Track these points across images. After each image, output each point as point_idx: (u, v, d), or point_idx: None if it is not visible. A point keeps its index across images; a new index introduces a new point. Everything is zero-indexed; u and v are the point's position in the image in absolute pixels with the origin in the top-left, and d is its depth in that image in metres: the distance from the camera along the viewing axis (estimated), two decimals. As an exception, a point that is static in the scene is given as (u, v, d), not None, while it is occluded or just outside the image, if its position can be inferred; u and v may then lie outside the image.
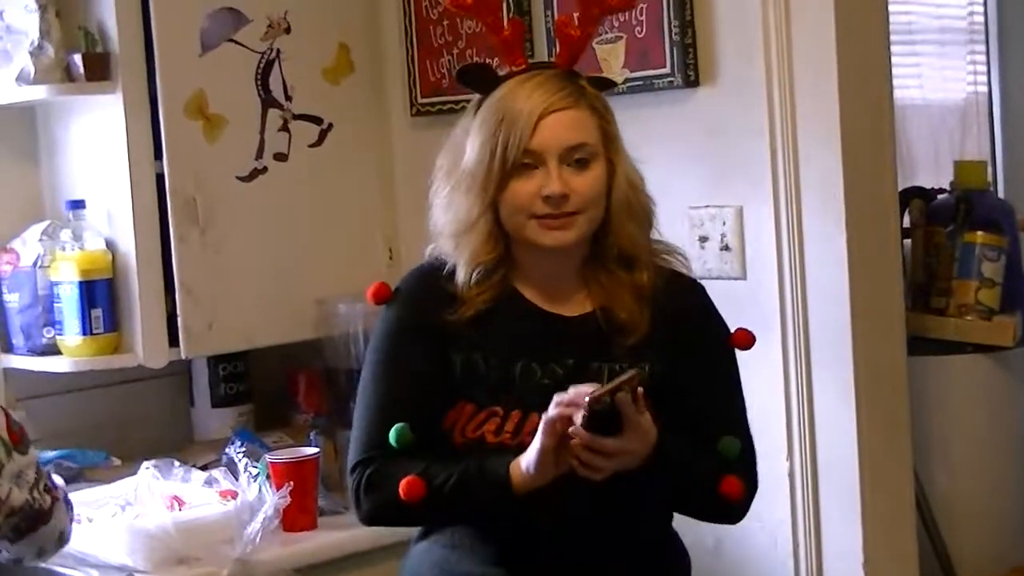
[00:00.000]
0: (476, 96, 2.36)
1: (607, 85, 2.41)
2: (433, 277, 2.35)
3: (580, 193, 2.27)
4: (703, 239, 3.18)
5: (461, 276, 2.30)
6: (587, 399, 2.08)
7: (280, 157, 3.52)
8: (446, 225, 2.33)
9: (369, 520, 2.34)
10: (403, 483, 2.22)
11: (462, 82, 2.37)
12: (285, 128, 3.52)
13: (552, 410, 2.13)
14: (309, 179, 3.56)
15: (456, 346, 2.30)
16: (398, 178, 3.71)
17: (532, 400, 2.25)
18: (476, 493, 2.22)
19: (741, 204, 3.14)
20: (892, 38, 3.20)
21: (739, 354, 2.45)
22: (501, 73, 2.34)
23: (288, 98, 3.52)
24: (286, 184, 3.52)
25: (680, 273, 2.42)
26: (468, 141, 2.31)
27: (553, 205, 2.26)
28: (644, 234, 2.37)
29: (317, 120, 3.58)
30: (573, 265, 2.35)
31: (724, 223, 3.15)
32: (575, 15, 2.36)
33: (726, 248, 3.15)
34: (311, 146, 3.57)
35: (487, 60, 3.48)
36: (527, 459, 2.18)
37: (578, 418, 2.11)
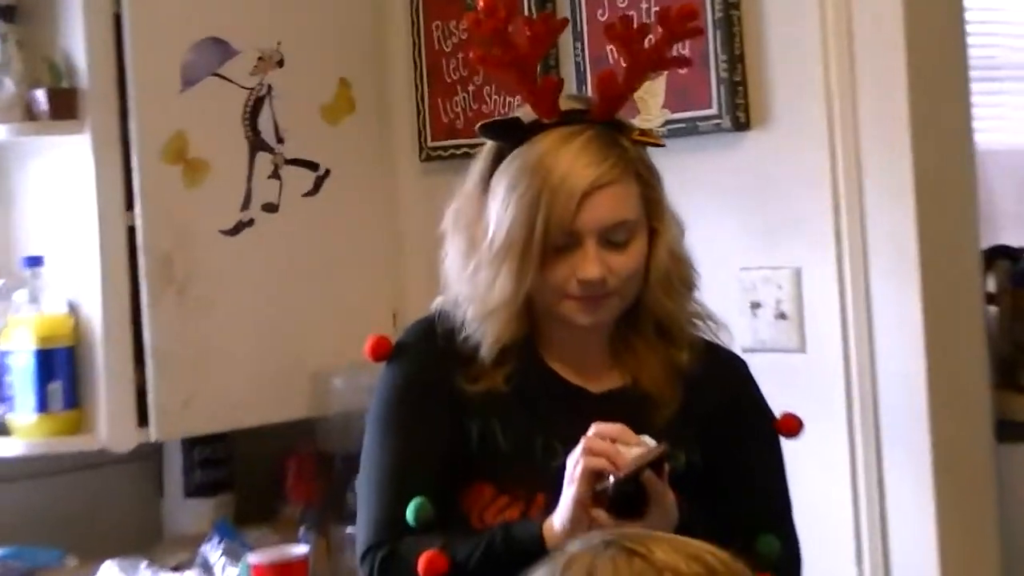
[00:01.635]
0: (489, 144, 2.36)
1: (652, 144, 2.39)
2: (444, 333, 2.35)
3: (618, 274, 2.28)
4: (755, 305, 3.19)
5: (485, 348, 2.30)
6: (612, 480, 2.08)
7: (270, 208, 3.53)
8: (469, 299, 2.32)
9: None
10: (423, 559, 2.19)
11: (487, 134, 2.34)
12: (276, 175, 3.55)
13: (585, 459, 2.12)
14: (303, 233, 3.57)
15: (471, 414, 2.30)
16: (405, 233, 3.73)
17: (559, 483, 2.21)
18: (507, 562, 2.15)
19: (799, 265, 3.15)
20: (972, 75, 3.18)
21: (795, 442, 2.43)
22: (526, 119, 2.32)
23: (280, 140, 3.55)
24: (277, 239, 3.53)
25: (717, 345, 2.41)
26: (493, 202, 2.29)
27: (589, 288, 2.27)
28: (683, 307, 2.38)
29: (313, 165, 3.61)
30: (603, 337, 2.36)
31: (780, 287, 3.17)
32: (621, 67, 2.35)
33: (782, 316, 3.16)
34: (306, 195, 3.59)
35: (507, 100, 3.48)
36: (560, 517, 2.14)
37: (598, 482, 2.11)
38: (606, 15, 3.28)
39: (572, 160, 2.25)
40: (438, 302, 2.40)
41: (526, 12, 3.35)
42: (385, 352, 2.38)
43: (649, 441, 2.14)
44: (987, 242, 3.48)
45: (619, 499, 2.10)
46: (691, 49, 3.07)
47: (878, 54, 3.03)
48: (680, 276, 2.36)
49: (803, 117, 3.12)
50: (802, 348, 3.13)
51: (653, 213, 2.32)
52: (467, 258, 2.34)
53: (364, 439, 2.37)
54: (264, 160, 3.51)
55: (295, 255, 3.56)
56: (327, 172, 3.61)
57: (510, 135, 2.31)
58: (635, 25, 2.34)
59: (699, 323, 2.39)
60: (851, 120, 3.06)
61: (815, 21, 3.10)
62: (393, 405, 2.35)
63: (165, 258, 3.35)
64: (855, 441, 3.07)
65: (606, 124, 2.31)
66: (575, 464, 2.12)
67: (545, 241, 2.24)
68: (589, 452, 2.12)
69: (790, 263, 3.15)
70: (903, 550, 3.04)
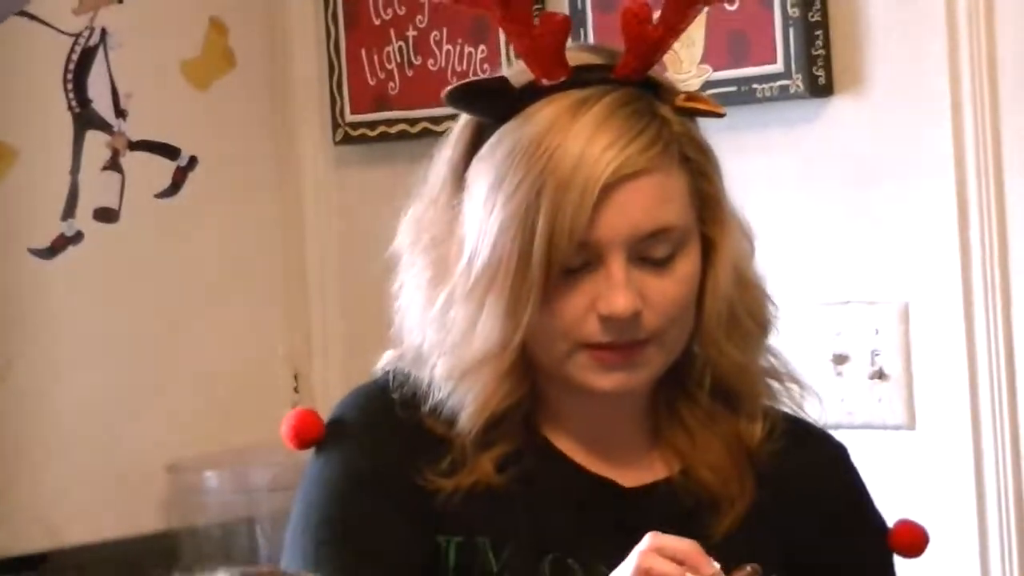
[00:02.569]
0: (464, 119, 2.29)
1: (707, 114, 2.31)
2: (402, 404, 2.28)
3: (658, 309, 2.20)
4: (840, 359, 3.24)
5: (462, 427, 2.24)
6: None
7: (106, 215, 3.57)
8: (438, 350, 2.25)
9: None
10: None
11: (459, 107, 2.27)
12: (115, 165, 3.58)
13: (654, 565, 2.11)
14: (157, 253, 3.62)
15: (447, 526, 2.27)
16: (311, 250, 3.76)
17: None
18: None
19: (906, 300, 3.20)
20: None
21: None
22: (519, 82, 2.26)
23: (120, 113, 3.59)
24: (117, 261, 3.58)
25: (805, 422, 2.37)
26: (470, 207, 2.23)
27: (615, 331, 2.18)
28: (755, 359, 2.33)
29: (171, 151, 3.64)
30: (637, 404, 2.31)
31: (876, 331, 3.22)
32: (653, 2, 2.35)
33: (880, 375, 3.21)
34: (160, 195, 3.63)
35: (466, 52, 3.52)
36: None
37: None
38: None
39: (587, 139, 2.18)
40: (389, 358, 2.32)
41: None
42: (314, 435, 2.30)
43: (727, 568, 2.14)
44: None
45: None
46: None
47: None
48: (750, 311, 2.30)
49: (915, 77, 3.18)
50: (911, 424, 3.19)
51: (709, 217, 2.25)
52: (434, 290, 2.27)
53: (283, 559, 2.34)
54: (97, 142, 3.55)
55: (146, 287, 3.59)
56: (192, 161, 3.64)
57: (493, 104, 2.25)
58: None
59: (776, 386, 2.35)
60: (986, 80, 3.11)
61: None
62: (330, 518, 2.29)
63: None
64: (988, 553, 3.13)
65: (636, 85, 2.24)
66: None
67: (549, 261, 2.17)
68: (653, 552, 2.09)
69: (894, 296, 3.21)
70: None
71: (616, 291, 2.16)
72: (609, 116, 2.19)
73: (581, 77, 2.22)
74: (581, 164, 2.16)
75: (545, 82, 2.21)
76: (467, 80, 2.33)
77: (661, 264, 2.19)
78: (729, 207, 2.28)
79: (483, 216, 2.21)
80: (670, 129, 2.20)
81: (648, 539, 2.08)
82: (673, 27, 2.23)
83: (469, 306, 2.22)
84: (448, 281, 2.24)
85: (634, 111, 2.20)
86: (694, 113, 2.26)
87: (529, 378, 2.26)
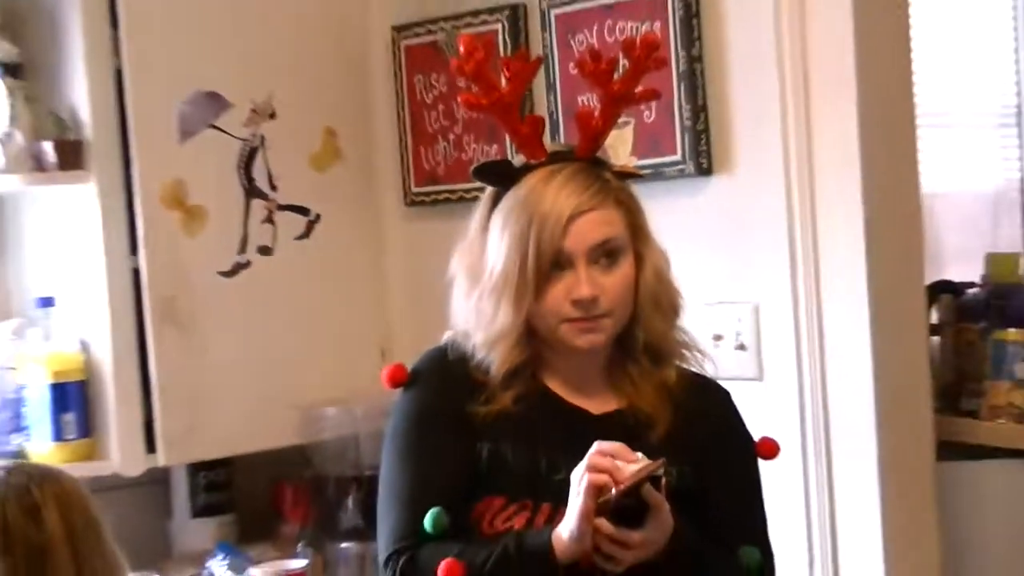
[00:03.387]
0: (488, 188, 2.42)
1: (632, 176, 2.47)
2: (457, 364, 2.40)
3: (609, 294, 2.33)
4: (717, 337, 3.21)
5: (493, 373, 2.36)
6: (614, 492, 2.16)
7: (265, 251, 3.57)
8: (475, 330, 2.38)
9: None
10: (442, 566, 2.25)
11: (480, 179, 2.41)
12: (270, 219, 3.59)
13: (589, 475, 2.19)
14: (296, 274, 3.60)
15: (482, 436, 2.35)
16: (391, 273, 3.74)
17: (561, 495, 2.28)
18: (518, 568, 2.25)
19: (757, 301, 3.19)
20: (919, 122, 3.25)
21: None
22: (517, 164, 2.39)
23: (273, 187, 3.59)
24: (271, 279, 3.57)
25: (706, 376, 2.47)
26: (491, 240, 2.36)
27: (583, 309, 2.32)
28: (671, 327, 2.43)
29: (304, 211, 3.64)
30: (600, 361, 2.41)
31: (739, 320, 3.21)
32: (596, 106, 2.41)
33: (741, 347, 3.20)
34: (298, 238, 3.62)
35: (484, 149, 3.59)
36: (567, 527, 2.21)
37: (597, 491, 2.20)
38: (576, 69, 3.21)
39: (557, 191, 2.30)
40: (449, 334, 2.44)
41: (506, 52, 3.39)
42: (401, 379, 2.42)
43: (645, 459, 2.20)
44: (931, 277, 3.56)
45: (620, 510, 2.17)
46: (657, 102, 3.06)
47: (832, 104, 3.06)
48: (668, 299, 2.41)
49: (763, 163, 3.14)
50: (760, 377, 3.17)
51: (637, 238, 2.36)
52: (471, 293, 2.38)
53: (383, 458, 2.41)
54: (258, 206, 3.55)
55: (289, 294, 3.57)
56: (317, 217, 3.62)
57: (502, 177, 2.38)
58: (604, 59, 2.37)
59: (686, 353, 2.45)
60: (807, 166, 3.10)
61: (774, 75, 3.12)
62: (410, 429, 2.38)
63: (168, 299, 3.38)
64: (808, 462, 3.10)
65: (588, 161, 2.37)
66: (580, 479, 2.18)
67: (538, 266, 2.29)
68: (592, 469, 2.18)
69: (750, 298, 3.19)
70: (852, 561, 3.08)
71: (582, 284, 2.29)
72: (572, 178, 2.33)
73: (553, 157, 2.37)
74: (554, 205, 2.29)
75: (532, 161, 2.36)
76: (482, 161, 2.52)
77: (609, 267, 2.32)
78: (651, 234, 2.39)
79: (497, 245, 2.33)
80: (609, 184, 2.35)
81: (594, 445, 2.21)
82: (609, 120, 2.38)
83: (491, 301, 2.34)
84: (478, 287, 2.36)
85: (587, 175, 2.33)
86: (623, 175, 2.41)
87: (532, 345, 2.36)
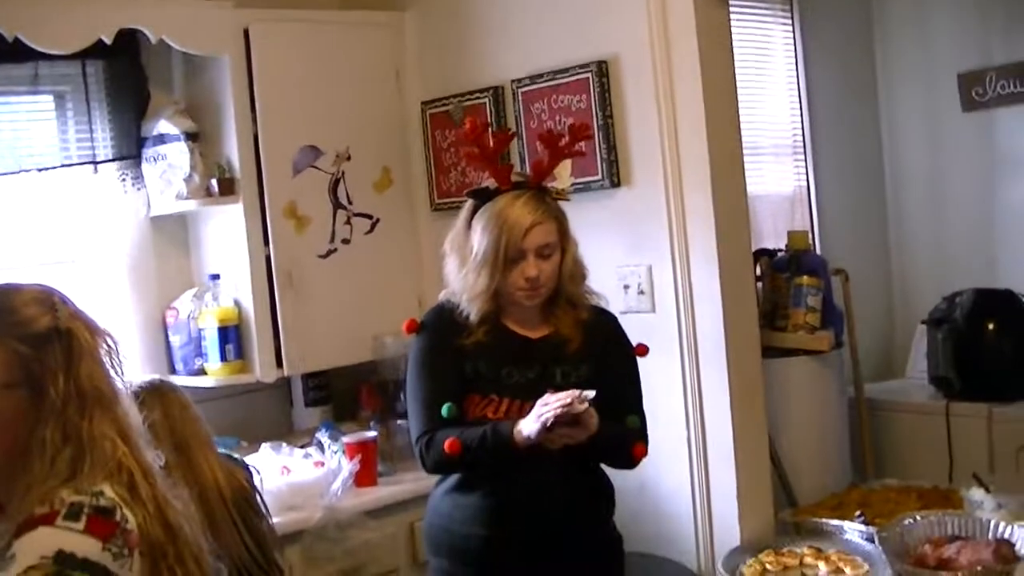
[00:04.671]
0: (470, 201, 2.36)
1: (562, 198, 2.42)
2: (449, 314, 2.34)
3: (546, 275, 2.31)
4: (626, 287, 3.16)
5: (472, 318, 2.31)
6: (562, 408, 2.13)
7: (345, 241, 3.50)
8: (462, 290, 2.33)
9: (431, 470, 2.31)
10: (447, 443, 2.23)
11: (471, 196, 2.37)
12: (348, 223, 3.51)
13: (546, 410, 2.15)
14: (365, 256, 3.53)
15: (466, 358, 2.29)
16: (423, 253, 3.64)
17: (516, 392, 2.27)
18: (491, 445, 2.21)
19: (650, 263, 3.12)
20: (744, 150, 3.16)
21: (648, 362, 2.45)
22: (492, 188, 2.36)
23: (350, 203, 3.51)
24: (350, 259, 3.49)
25: (602, 308, 2.43)
26: (474, 235, 2.30)
27: (530, 284, 2.30)
28: (581, 288, 2.40)
29: (369, 216, 3.56)
30: (538, 309, 2.38)
31: (639, 277, 3.14)
32: (545, 157, 2.37)
33: (641, 292, 3.14)
34: (366, 234, 3.55)
35: (479, 175, 3.45)
36: (526, 429, 2.18)
37: (553, 406, 2.16)
38: (536, 126, 3.23)
39: (520, 209, 2.27)
40: (443, 294, 2.40)
41: (493, 127, 3.30)
42: (415, 328, 2.37)
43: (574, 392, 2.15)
44: (756, 246, 3.54)
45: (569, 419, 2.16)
46: (587, 143, 3.01)
47: (691, 143, 3.00)
48: (580, 272, 2.39)
49: (651, 180, 3.08)
50: (653, 310, 3.10)
51: (564, 239, 2.34)
52: (460, 268, 2.33)
53: (407, 376, 2.35)
54: (341, 215, 3.47)
55: (361, 269, 3.49)
56: (378, 220, 3.56)
57: (483, 196, 2.34)
58: (554, 134, 2.40)
59: (591, 296, 2.42)
60: (678, 181, 3.03)
61: (656, 126, 3.07)
62: (422, 358, 2.33)
63: (287, 273, 3.32)
64: (684, 363, 3.04)
65: (538, 189, 2.35)
66: (539, 415, 2.14)
67: (506, 256, 2.26)
68: (544, 404, 2.15)
69: (645, 262, 3.12)
70: (712, 422, 3.04)
71: (531, 268, 2.28)
72: (528, 201, 2.29)
73: (516, 186, 2.33)
74: (519, 219, 2.26)
75: (502, 188, 2.32)
76: (474, 187, 2.40)
77: (547, 258, 2.30)
78: (571, 235, 2.36)
79: (480, 239, 2.29)
80: (551, 206, 2.32)
81: (542, 399, 2.15)
82: (552, 167, 2.37)
83: (474, 274, 2.30)
84: (465, 265, 2.32)
85: (538, 199, 2.31)
86: (560, 199, 2.37)
87: (496, 301, 2.32)
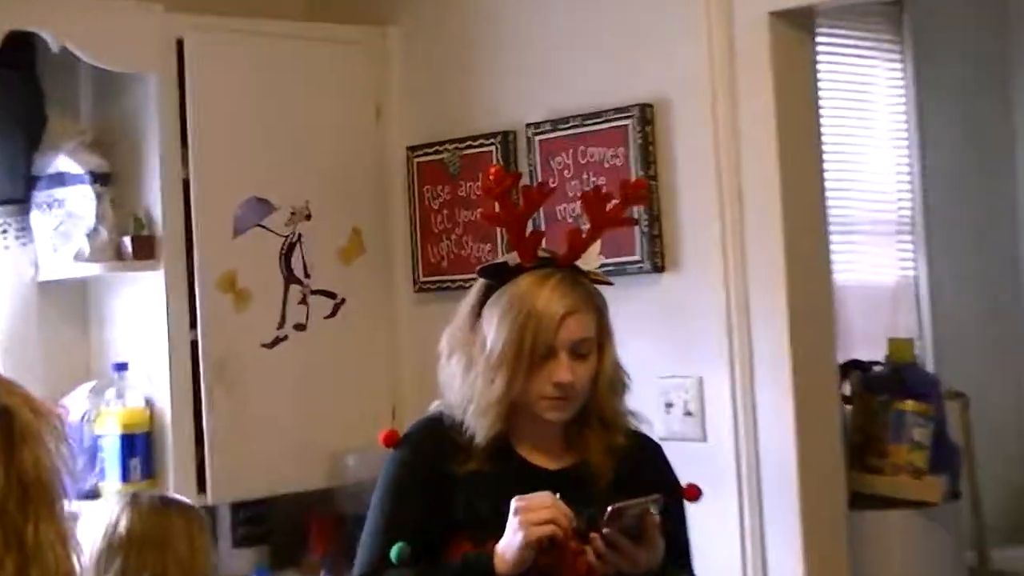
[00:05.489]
0: (481, 282, 2.37)
1: (603, 283, 2.43)
2: (441, 428, 2.35)
3: (581, 381, 2.31)
4: (669, 406, 3.18)
5: (478, 438, 2.31)
6: (615, 506, 2.16)
7: (300, 327, 3.52)
8: (469, 400, 2.32)
9: None
10: None
11: (484, 275, 2.36)
12: (304, 302, 3.54)
13: (532, 527, 2.17)
14: (325, 347, 3.55)
15: (458, 490, 2.31)
16: (402, 347, 3.67)
17: None
18: None
19: (701, 375, 3.15)
20: (831, 228, 3.24)
21: (697, 508, 2.45)
22: (512, 264, 2.35)
23: (307, 275, 3.54)
24: (305, 351, 3.51)
25: (642, 433, 2.44)
26: (487, 326, 2.31)
27: (561, 391, 2.29)
28: (621, 404, 2.40)
29: (332, 295, 3.59)
30: (560, 429, 2.38)
31: (687, 391, 3.17)
32: (586, 227, 2.39)
33: (689, 414, 3.16)
34: (326, 317, 3.57)
35: (479, 247, 3.52)
36: (510, 551, 2.19)
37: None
38: (557, 184, 3.26)
39: (550, 293, 2.26)
40: (437, 405, 2.38)
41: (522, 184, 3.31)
42: (395, 440, 2.39)
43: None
44: (843, 357, 3.50)
45: (625, 524, 2.15)
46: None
47: (760, 215, 3.04)
48: (620, 380, 2.37)
49: (705, 263, 3.11)
50: (704, 438, 3.12)
51: (603, 335, 2.33)
52: (467, 369, 2.32)
53: (372, 499, 2.38)
54: (295, 291, 3.50)
55: (318, 363, 3.52)
56: (343, 300, 3.58)
57: (499, 275, 2.32)
58: (601, 194, 2.37)
59: (630, 419, 2.41)
60: (741, 265, 3.07)
61: (713, 190, 3.10)
62: (393, 478, 2.35)
63: (219, 366, 3.34)
64: (744, 510, 3.06)
65: (571, 267, 2.34)
66: (517, 526, 2.16)
67: (532, 352, 2.25)
68: (534, 522, 2.16)
69: (695, 373, 3.14)
70: None
71: (563, 370, 2.26)
72: (561, 282, 2.29)
73: (542, 261, 2.33)
74: (548, 305, 2.26)
75: (525, 264, 2.32)
76: (489, 263, 2.40)
77: (583, 357, 2.28)
78: (612, 331, 2.35)
79: (497, 330, 2.27)
80: (589, 291, 2.32)
81: (515, 500, 2.16)
82: (594, 238, 2.37)
83: (487, 377, 2.28)
84: (474, 365, 2.30)
85: (572, 282, 2.30)
86: (599, 283, 2.37)
87: (511, 416, 2.31)
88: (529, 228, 2.36)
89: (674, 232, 3.18)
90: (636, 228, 3.17)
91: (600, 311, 2.35)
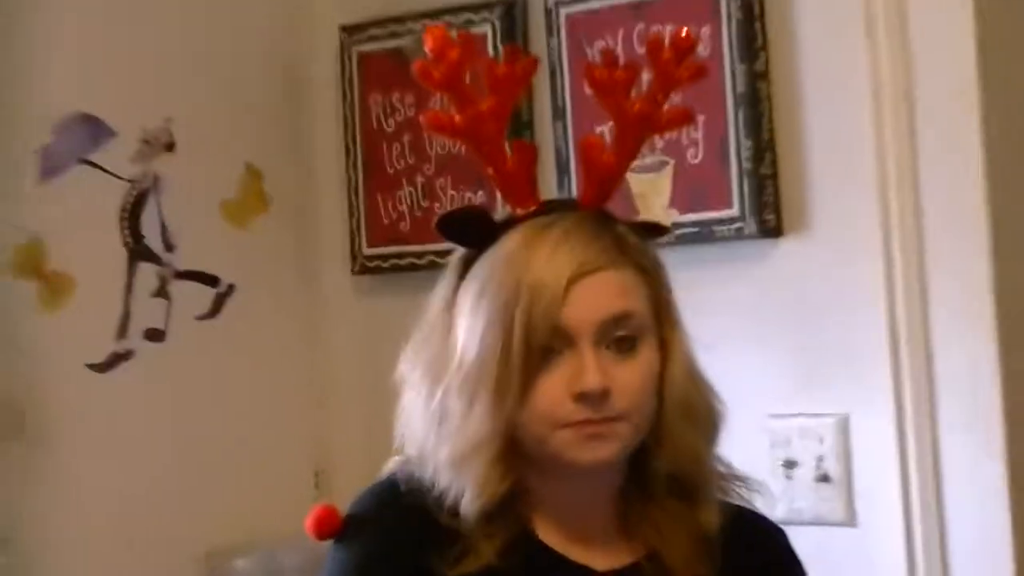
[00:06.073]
0: (460, 250, 2.30)
1: (657, 232, 2.33)
2: (412, 501, 2.27)
3: (625, 388, 2.19)
4: (789, 464, 3.20)
5: (467, 510, 2.22)
6: None
7: (155, 335, 3.54)
8: (437, 445, 2.24)
9: None
10: None
11: (446, 235, 2.27)
12: (163, 292, 3.54)
13: None
14: (198, 368, 3.58)
15: None
16: (333, 368, 3.72)
17: None
18: None
19: (846, 412, 3.15)
20: None
21: None
22: (500, 218, 2.28)
23: (168, 247, 3.56)
24: (162, 376, 3.53)
25: (756, 513, 2.38)
26: (460, 320, 2.25)
27: (590, 406, 2.17)
28: (709, 448, 2.31)
29: (211, 280, 3.61)
30: (607, 492, 2.30)
31: (821, 441, 3.18)
32: (606, 133, 2.34)
33: (824, 479, 3.17)
34: (202, 318, 3.60)
35: (470, 196, 3.52)
36: None
37: None
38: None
39: (554, 247, 2.21)
40: (397, 462, 2.30)
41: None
42: (334, 528, 2.27)
43: None
44: None
45: None
46: (705, 132, 3.20)
47: (950, 146, 3.07)
48: (704, 405, 2.30)
49: (852, 222, 3.14)
50: (851, 522, 3.14)
51: (664, 319, 2.25)
52: (432, 389, 2.27)
53: None
54: (148, 273, 3.51)
55: (188, 398, 3.54)
56: (230, 288, 3.61)
57: (477, 233, 2.28)
58: (622, 65, 2.26)
59: (736, 489, 2.35)
60: (912, 224, 3.10)
61: (868, 104, 3.13)
62: None
63: (9, 403, 3.34)
64: None
65: (595, 213, 2.29)
66: None
67: (527, 349, 2.17)
68: None
69: (834, 409, 3.16)
70: None
71: (587, 371, 2.16)
72: (573, 230, 2.22)
73: (549, 207, 2.27)
74: (550, 265, 2.19)
75: (518, 211, 2.24)
76: (448, 211, 2.32)
77: (625, 352, 2.19)
78: (678, 315, 2.28)
79: (471, 320, 2.22)
80: (625, 241, 2.24)
81: None
82: (626, 155, 2.25)
83: (463, 398, 2.22)
84: (443, 380, 2.25)
85: (593, 227, 2.24)
86: (646, 228, 2.30)
87: (516, 468, 2.24)
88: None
89: (798, 170, 3.20)
90: (733, 163, 3.21)
91: (654, 277, 2.28)
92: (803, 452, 3.17)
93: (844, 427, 3.13)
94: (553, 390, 2.18)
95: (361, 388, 3.65)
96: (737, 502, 2.33)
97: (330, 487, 3.58)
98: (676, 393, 2.24)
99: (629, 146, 2.26)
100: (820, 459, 3.15)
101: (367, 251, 3.65)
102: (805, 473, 3.15)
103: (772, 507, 2.39)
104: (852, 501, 3.12)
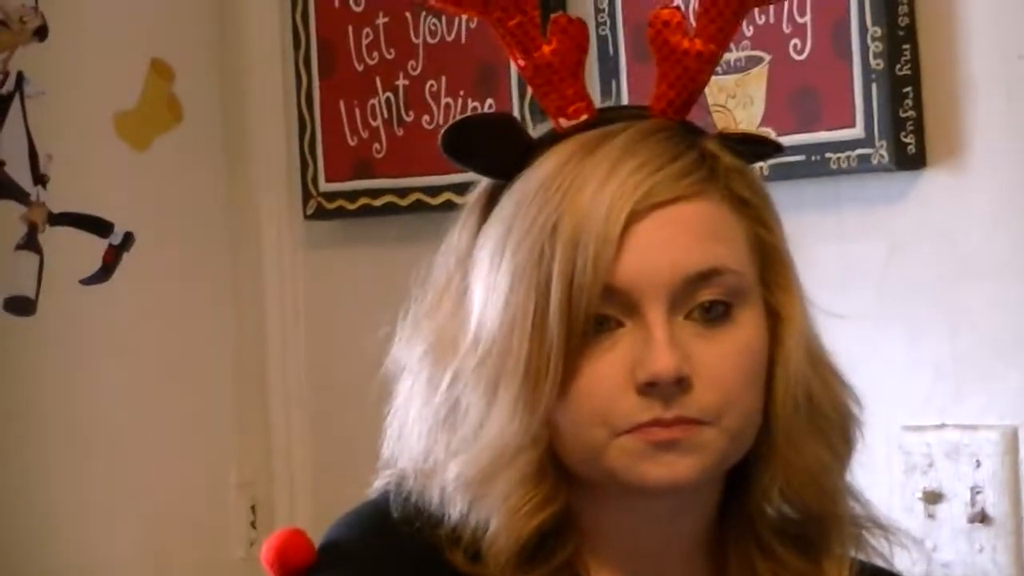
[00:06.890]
0: (485, 182, 2.31)
1: (764, 151, 2.30)
2: (411, 536, 2.27)
3: (714, 377, 2.15)
4: (931, 497, 3.30)
5: (492, 554, 2.21)
6: None
7: (19, 306, 3.55)
8: (445, 455, 2.25)
9: None
10: None
11: (456, 156, 2.22)
12: (31, 243, 3.57)
13: None
14: (81, 354, 3.63)
15: None
16: (273, 353, 3.83)
17: None
18: None
19: (1015, 424, 3.26)
20: None
21: None
22: (537, 134, 2.25)
23: (39, 179, 3.64)
24: (31, 364, 3.57)
25: (891, 572, 2.34)
26: (477, 280, 2.26)
27: (663, 401, 2.14)
28: (841, 470, 2.26)
29: (102, 226, 3.68)
30: (690, 529, 2.27)
31: (978, 463, 3.26)
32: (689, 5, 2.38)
33: (982, 518, 3.24)
34: (87, 282, 3.69)
35: (475, 106, 3.65)
36: None
37: None
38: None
39: (612, 166, 2.17)
40: (387, 477, 2.27)
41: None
42: (304, 560, 2.27)
43: None
44: None
45: None
46: (814, 16, 3.33)
47: None
48: (834, 405, 2.24)
49: (1021, 148, 3.23)
50: None
51: (773, 279, 2.20)
52: (435, 385, 2.27)
53: None
54: (10, 216, 3.58)
55: (65, 395, 3.56)
56: (127, 238, 3.71)
57: (502, 152, 2.25)
58: None
59: (861, 534, 2.29)
60: None
61: None
62: None
63: None
64: None
65: (672, 122, 2.24)
66: None
67: (570, 318, 2.14)
68: None
69: (998, 419, 3.25)
70: None
71: (657, 350, 2.10)
72: (639, 141, 2.17)
73: (606, 116, 2.23)
74: (603, 192, 2.15)
75: (562, 122, 2.20)
76: (467, 116, 2.30)
77: (714, 323, 2.13)
78: (796, 270, 2.20)
79: (491, 278, 2.19)
80: (717, 161, 2.18)
81: None
82: (714, 35, 2.19)
83: (479, 388, 2.18)
84: (453, 364, 2.22)
85: (669, 137, 2.18)
86: (747, 141, 2.24)
87: (563, 487, 2.21)
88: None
89: (946, 79, 3.31)
90: (857, 64, 3.35)
91: (758, 216, 2.22)
92: (952, 480, 3.26)
93: (1012, 445, 3.22)
94: (608, 378, 2.13)
95: (315, 384, 3.70)
96: (876, 560, 2.29)
97: (270, 521, 3.61)
98: (794, 387, 2.17)
99: (721, 24, 2.20)
100: (976, 491, 3.23)
101: (325, 186, 3.78)
102: (954, 510, 3.24)
103: (912, 563, 2.36)
104: (1022, 550, 3.21)
